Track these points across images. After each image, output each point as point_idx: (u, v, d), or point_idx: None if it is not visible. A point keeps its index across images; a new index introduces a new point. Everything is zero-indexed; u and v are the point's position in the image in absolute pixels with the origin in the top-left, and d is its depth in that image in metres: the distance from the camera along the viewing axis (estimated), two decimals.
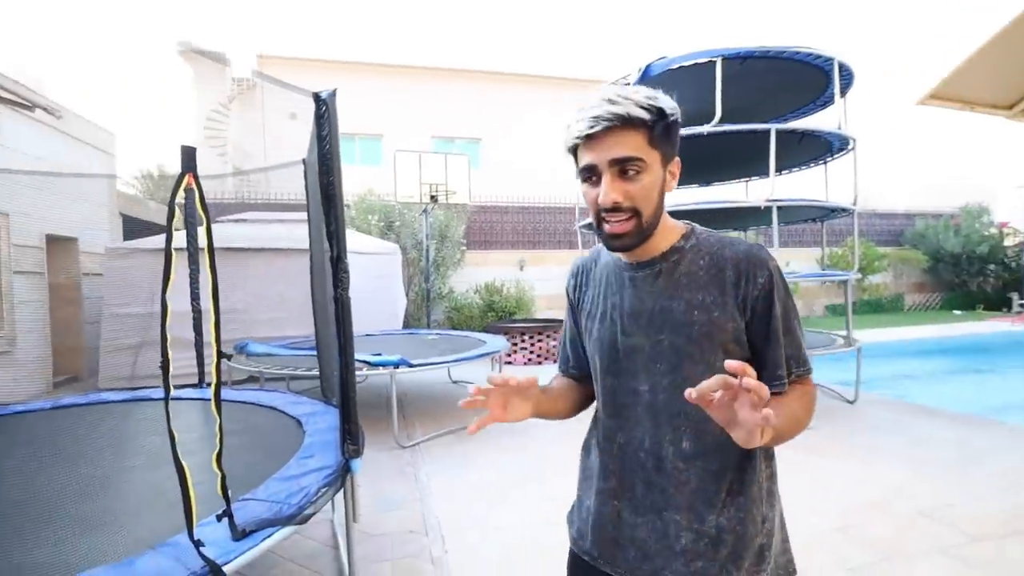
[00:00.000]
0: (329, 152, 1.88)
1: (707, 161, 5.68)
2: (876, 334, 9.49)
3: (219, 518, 1.46)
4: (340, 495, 2.04)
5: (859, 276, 5.41)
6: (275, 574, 2.30)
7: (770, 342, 0.89)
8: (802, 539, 2.44)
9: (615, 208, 0.86)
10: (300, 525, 1.55)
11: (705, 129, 4.34)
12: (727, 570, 0.88)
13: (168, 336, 1.30)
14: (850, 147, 4.96)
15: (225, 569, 1.27)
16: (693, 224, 0.97)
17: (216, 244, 1.70)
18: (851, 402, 5.00)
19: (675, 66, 4.40)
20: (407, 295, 9.10)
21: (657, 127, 0.85)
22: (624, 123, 0.83)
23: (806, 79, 4.88)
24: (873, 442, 3.95)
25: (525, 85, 16.06)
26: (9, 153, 5.37)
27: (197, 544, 1.28)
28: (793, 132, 4.49)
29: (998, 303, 13.18)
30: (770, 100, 5.42)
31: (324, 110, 1.89)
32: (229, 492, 1.47)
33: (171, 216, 1.33)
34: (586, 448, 1.06)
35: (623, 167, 0.85)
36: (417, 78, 15.19)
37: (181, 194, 1.51)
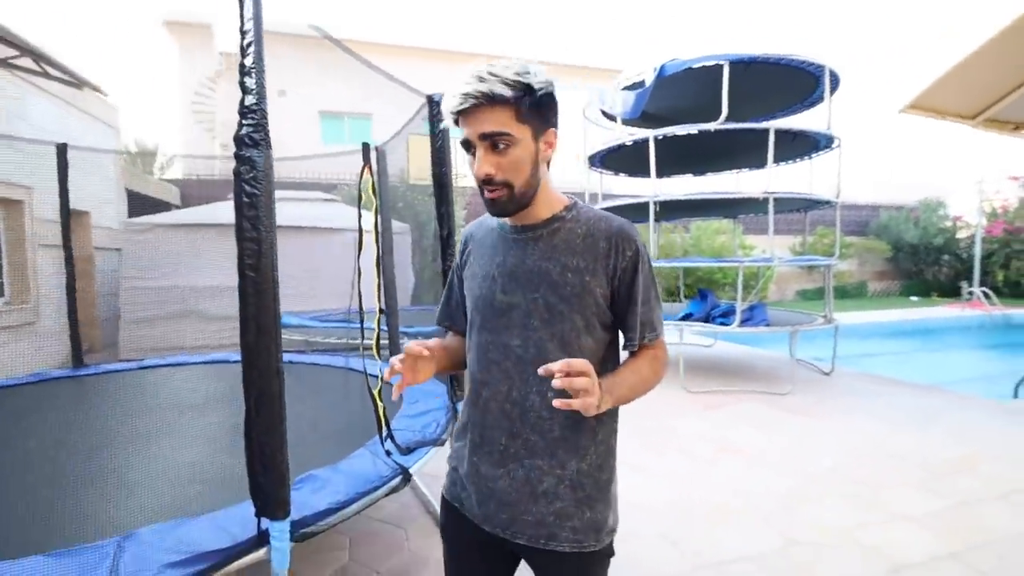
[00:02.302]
0: (442, 147, 2.24)
1: (704, 153, 6.16)
2: (843, 317, 10.25)
3: (382, 441, 1.84)
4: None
5: (838, 262, 6.03)
6: (382, 537, 2.35)
7: (630, 308, 0.99)
8: (804, 478, 2.99)
9: (488, 180, 0.92)
10: (441, 446, 1.95)
11: (712, 126, 4.80)
12: (582, 510, 0.97)
13: (362, 293, 1.67)
14: (835, 145, 5.50)
15: (410, 471, 1.67)
16: (576, 199, 1.06)
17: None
18: (827, 373, 5.64)
19: (686, 67, 4.82)
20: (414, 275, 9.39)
21: (523, 103, 0.89)
22: (490, 100, 0.87)
23: (797, 81, 5.38)
24: (850, 405, 4.56)
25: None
26: (35, 131, 5.43)
27: (388, 453, 1.67)
28: (788, 131, 4.99)
29: (950, 291, 14.29)
30: (762, 98, 5.90)
31: (437, 111, 2.24)
32: (387, 421, 1.86)
33: (360, 199, 1.70)
34: (464, 403, 1.12)
35: (493, 141, 0.90)
36: (402, 58, 15.19)
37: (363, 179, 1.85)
